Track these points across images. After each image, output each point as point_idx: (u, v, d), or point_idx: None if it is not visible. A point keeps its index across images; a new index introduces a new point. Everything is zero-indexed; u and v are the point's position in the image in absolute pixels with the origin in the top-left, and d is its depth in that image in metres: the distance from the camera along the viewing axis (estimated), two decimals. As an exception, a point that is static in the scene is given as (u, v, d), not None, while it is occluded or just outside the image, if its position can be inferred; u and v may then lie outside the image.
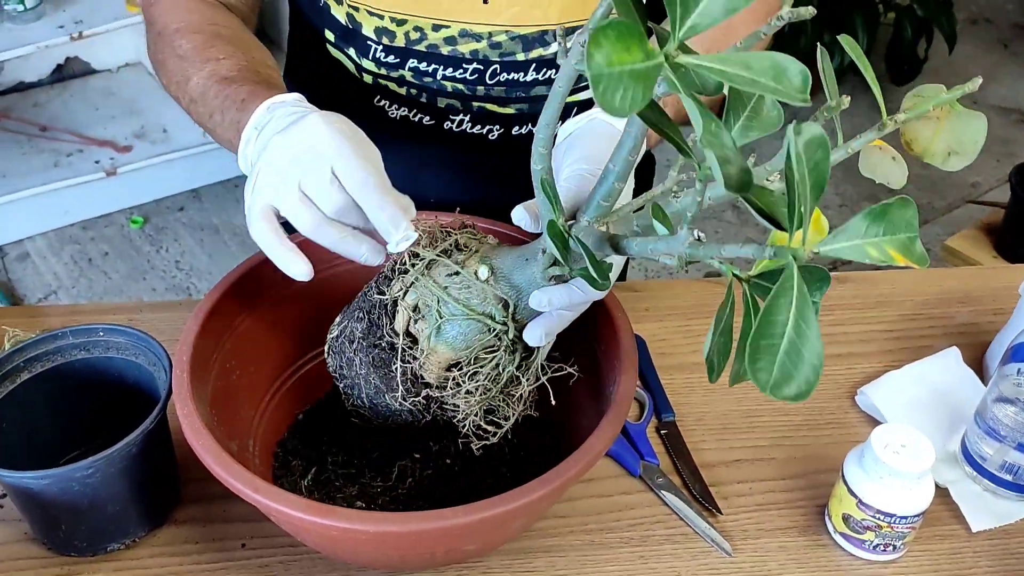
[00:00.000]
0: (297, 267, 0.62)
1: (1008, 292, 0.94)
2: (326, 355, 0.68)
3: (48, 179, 2.26)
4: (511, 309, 0.62)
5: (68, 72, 2.60)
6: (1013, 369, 0.72)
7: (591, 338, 0.73)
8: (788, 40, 2.39)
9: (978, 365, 0.85)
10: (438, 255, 0.63)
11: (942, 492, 0.74)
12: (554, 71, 0.82)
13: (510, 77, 0.83)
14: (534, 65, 0.82)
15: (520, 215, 0.62)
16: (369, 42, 0.83)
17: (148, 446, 0.66)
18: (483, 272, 0.62)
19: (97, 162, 2.32)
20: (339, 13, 0.83)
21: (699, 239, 0.49)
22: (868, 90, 0.76)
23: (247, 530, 0.71)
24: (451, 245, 0.64)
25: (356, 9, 0.81)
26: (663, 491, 0.74)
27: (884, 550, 0.69)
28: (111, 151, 2.36)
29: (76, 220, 2.35)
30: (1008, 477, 0.74)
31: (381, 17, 0.81)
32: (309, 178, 0.60)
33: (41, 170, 2.28)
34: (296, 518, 0.57)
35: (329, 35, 0.86)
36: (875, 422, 0.81)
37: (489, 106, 0.85)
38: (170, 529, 0.71)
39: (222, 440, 0.65)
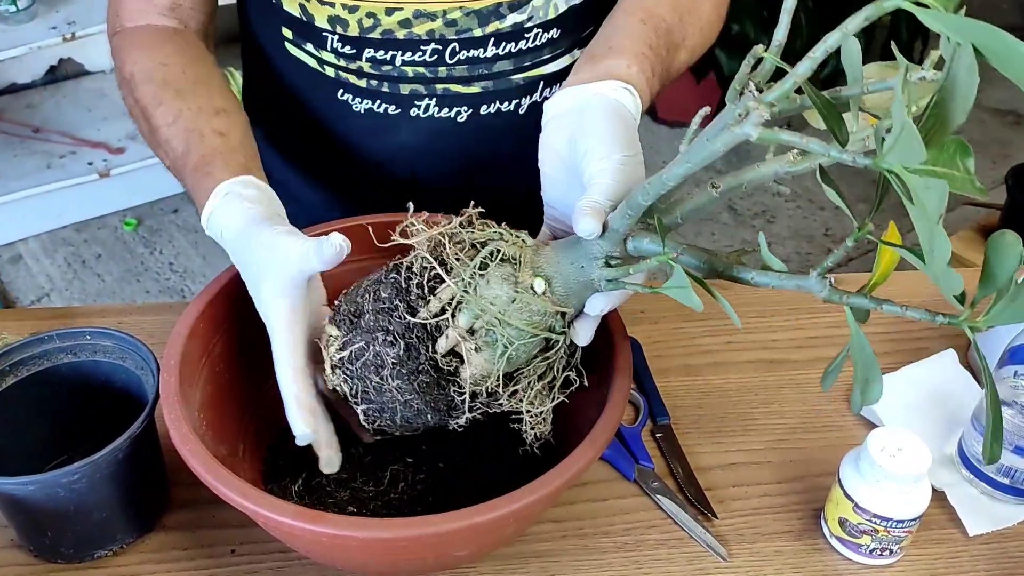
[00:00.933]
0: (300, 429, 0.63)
1: None
2: (330, 376, 0.63)
3: (41, 181, 2.25)
4: (567, 317, 0.61)
5: (61, 73, 2.59)
6: (1010, 371, 0.72)
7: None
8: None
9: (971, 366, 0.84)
10: (480, 271, 0.59)
11: (939, 496, 0.73)
12: (513, 44, 0.81)
13: (470, 55, 0.81)
14: (492, 39, 0.81)
15: (592, 227, 0.57)
16: (324, 33, 0.81)
17: (135, 451, 0.65)
18: (539, 285, 0.59)
19: (90, 164, 2.31)
20: (291, 7, 0.81)
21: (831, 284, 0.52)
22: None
23: (237, 536, 0.70)
24: (489, 255, 0.60)
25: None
26: (658, 495, 0.73)
27: (881, 554, 0.68)
28: (104, 153, 2.35)
29: (69, 222, 2.34)
30: (1005, 480, 0.73)
31: (332, 5, 0.79)
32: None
33: (34, 172, 2.27)
34: (286, 524, 0.56)
35: (286, 32, 0.84)
36: (871, 425, 0.80)
37: (453, 87, 0.83)
38: (158, 535, 0.70)
39: (211, 444, 0.64)
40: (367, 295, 0.63)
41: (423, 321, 0.60)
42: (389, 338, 0.60)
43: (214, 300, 0.70)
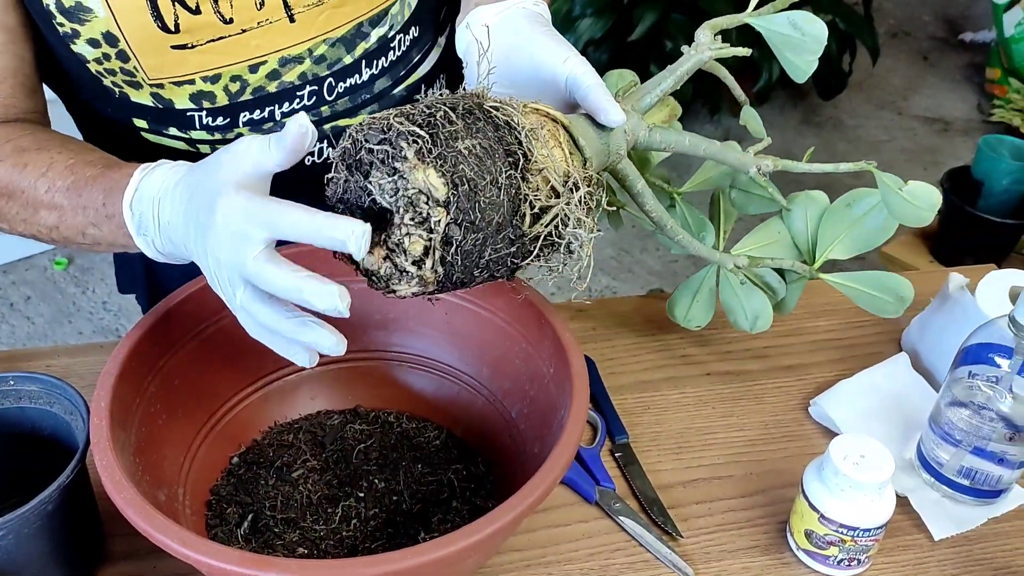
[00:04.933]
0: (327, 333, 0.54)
1: (950, 295, 0.94)
2: (414, 233, 0.52)
3: (-37, 222, 2.15)
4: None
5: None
6: (964, 372, 0.71)
7: (539, 362, 0.70)
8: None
9: (926, 371, 0.84)
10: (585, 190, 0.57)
11: (902, 501, 0.73)
12: (383, 58, 0.78)
13: (347, 84, 0.78)
14: (364, 62, 0.77)
15: (623, 115, 0.62)
16: (189, 113, 0.74)
17: (66, 502, 0.61)
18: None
19: (16, 203, 2.22)
20: (142, 98, 0.73)
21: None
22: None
23: (180, 586, 0.66)
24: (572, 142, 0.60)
25: (160, 86, 0.72)
26: (621, 517, 0.71)
27: (848, 565, 0.67)
28: (31, 191, 2.26)
29: (-5, 264, 2.25)
30: (965, 482, 0.72)
31: (192, 82, 0.72)
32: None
33: (-45, 213, 2.18)
34: (230, 572, 0.52)
35: (140, 123, 0.76)
36: (830, 433, 0.79)
37: (341, 122, 0.79)
38: (95, 590, 0.66)
39: (148, 491, 0.60)
40: (463, 149, 0.53)
41: (537, 200, 0.55)
42: (496, 192, 0.54)
43: (146, 336, 0.66)
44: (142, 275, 0.93)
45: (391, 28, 0.78)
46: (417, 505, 0.70)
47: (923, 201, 0.70)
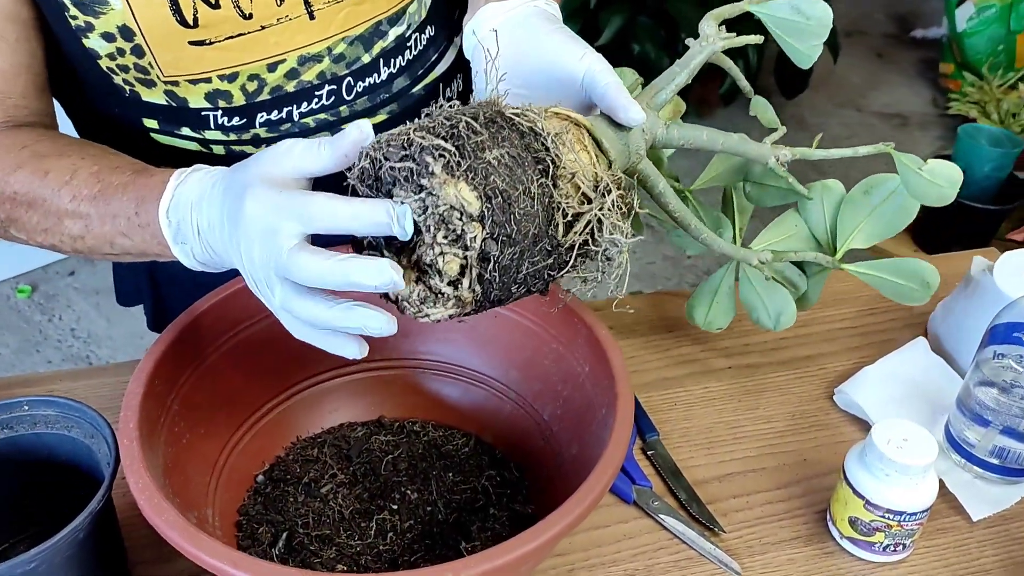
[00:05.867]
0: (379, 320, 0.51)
1: (952, 279, 0.94)
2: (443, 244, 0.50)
3: (-80, 253, 2.08)
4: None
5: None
6: (990, 352, 0.72)
7: (571, 361, 0.69)
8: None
9: (948, 354, 0.85)
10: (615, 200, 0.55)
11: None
12: (400, 57, 0.77)
13: (366, 84, 0.76)
14: (382, 61, 0.76)
15: (642, 114, 0.60)
16: (204, 112, 0.72)
17: (96, 529, 0.58)
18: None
19: (-25, 231, 2.15)
20: (155, 96, 0.70)
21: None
22: (767, 102, 0.79)
23: (214, 612, 0.63)
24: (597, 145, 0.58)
25: (175, 84, 0.70)
26: (661, 515, 0.70)
27: (894, 550, 0.67)
28: (-10, 218, 2.19)
29: (-45, 295, 2.18)
30: (996, 461, 0.73)
31: (208, 80, 0.70)
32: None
33: (-89, 244, 2.10)
34: (286, 591, 0.50)
35: (150, 123, 0.73)
36: (857, 420, 0.79)
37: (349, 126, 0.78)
38: (124, 621, 0.63)
39: (181, 513, 0.58)
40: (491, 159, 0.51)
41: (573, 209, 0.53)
42: (530, 201, 0.52)
43: (167, 354, 0.64)
44: (147, 286, 0.90)
45: (408, 27, 0.77)
46: (453, 515, 0.68)
47: (944, 179, 0.70)
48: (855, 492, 0.66)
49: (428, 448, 0.74)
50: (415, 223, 0.50)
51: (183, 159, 0.75)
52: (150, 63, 0.68)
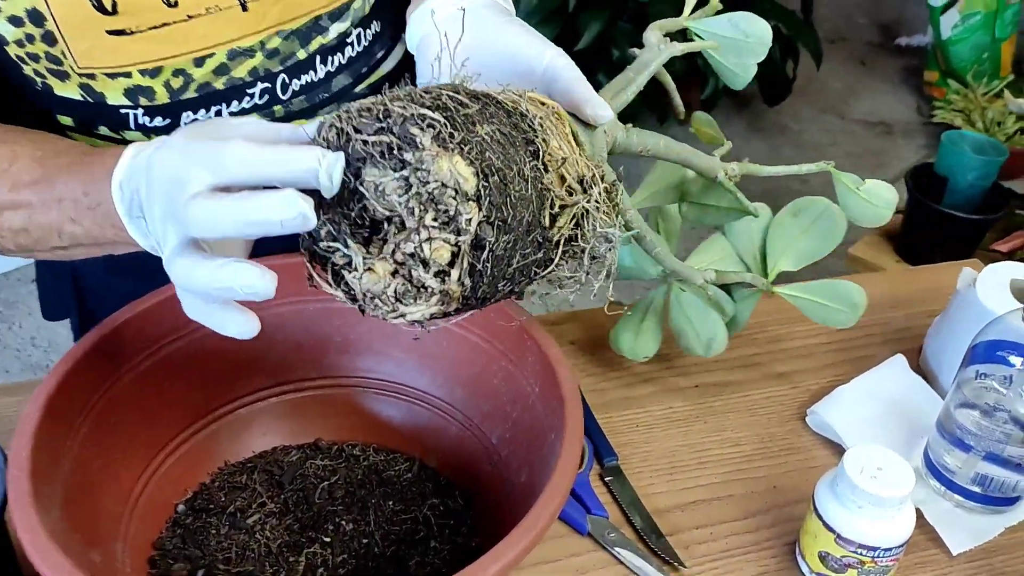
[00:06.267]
0: (238, 323, 0.46)
1: (935, 292, 0.90)
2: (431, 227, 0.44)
3: None
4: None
5: None
6: (972, 372, 0.67)
7: (521, 381, 0.63)
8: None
9: (931, 373, 0.80)
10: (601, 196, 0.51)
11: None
12: (340, 54, 0.71)
13: (303, 82, 0.70)
14: (318, 57, 0.70)
15: (610, 113, 0.56)
16: (123, 110, 0.65)
17: (-18, 569, 0.52)
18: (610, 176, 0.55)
19: (-68, 236, 2.08)
20: (68, 91, 0.64)
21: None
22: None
23: (122, 658, 0.57)
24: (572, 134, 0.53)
25: (91, 76, 0.64)
26: (617, 548, 0.64)
27: (868, 588, 0.62)
28: (-52, 222, 2.12)
29: (-90, 302, 2.10)
30: (978, 490, 0.68)
31: (128, 75, 0.64)
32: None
33: None
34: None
35: (64, 120, 0.67)
36: (831, 444, 0.74)
37: (297, 123, 0.72)
38: (21, 669, 0.57)
39: (80, 551, 0.52)
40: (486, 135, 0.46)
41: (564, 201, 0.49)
42: (525, 187, 0.46)
43: (76, 370, 0.58)
44: (72, 297, 0.83)
45: (351, 23, 0.71)
46: (391, 548, 0.63)
47: (881, 200, 0.69)
48: (825, 525, 0.60)
49: (368, 473, 0.68)
50: (393, 207, 0.43)
51: None
52: (63, 52, 0.63)
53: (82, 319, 0.84)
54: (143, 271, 0.62)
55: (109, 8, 0.61)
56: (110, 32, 0.62)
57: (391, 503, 0.66)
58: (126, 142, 0.67)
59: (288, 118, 0.70)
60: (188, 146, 0.45)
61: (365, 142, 0.44)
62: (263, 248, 0.67)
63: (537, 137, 0.48)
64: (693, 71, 2.36)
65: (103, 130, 0.67)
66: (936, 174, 1.47)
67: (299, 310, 0.69)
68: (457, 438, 0.68)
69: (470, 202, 0.43)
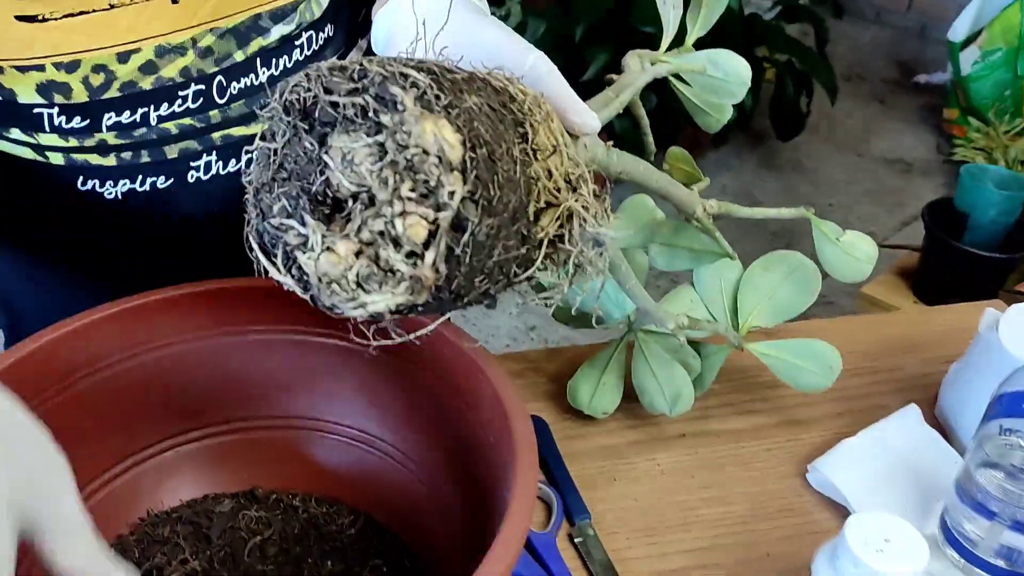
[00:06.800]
0: None
1: (954, 335, 0.82)
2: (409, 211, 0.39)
3: None
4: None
5: None
6: (995, 427, 0.59)
7: (475, 426, 0.56)
8: (671, 96, 2.34)
9: (950, 427, 0.71)
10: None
11: (929, 590, 0.59)
12: (286, 57, 0.65)
13: (242, 85, 0.63)
14: (259, 60, 0.63)
15: (598, 123, 0.52)
16: (37, 109, 0.60)
17: None
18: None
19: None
20: None
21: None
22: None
23: None
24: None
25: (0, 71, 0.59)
26: (584, 623, 0.56)
27: None
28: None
29: None
30: (1003, 563, 0.59)
31: (41, 68, 0.58)
32: None
33: None
34: None
35: None
36: (835, 505, 0.66)
37: (235, 131, 0.64)
38: None
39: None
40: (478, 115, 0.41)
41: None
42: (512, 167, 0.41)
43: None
44: (2, 315, 0.77)
45: (298, 26, 0.65)
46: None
47: (861, 253, 0.66)
48: (824, 604, 0.52)
49: (306, 527, 0.61)
50: (363, 180, 0.38)
51: (16, 170, 0.63)
52: None
53: (10, 342, 0.78)
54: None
55: None
56: (20, 18, 0.56)
57: (330, 563, 0.58)
58: (41, 147, 0.61)
59: (226, 123, 0.64)
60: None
61: (335, 104, 0.38)
62: (194, 273, 0.60)
63: (526, 120, 0.42)
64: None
65: (15, 133, 0.61)
66: (956, 209, 1.39)
67: (236, 342, 0.61)
68: (407, 489, 0.61)
69: (454, 172, 0.38)
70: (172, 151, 0.63)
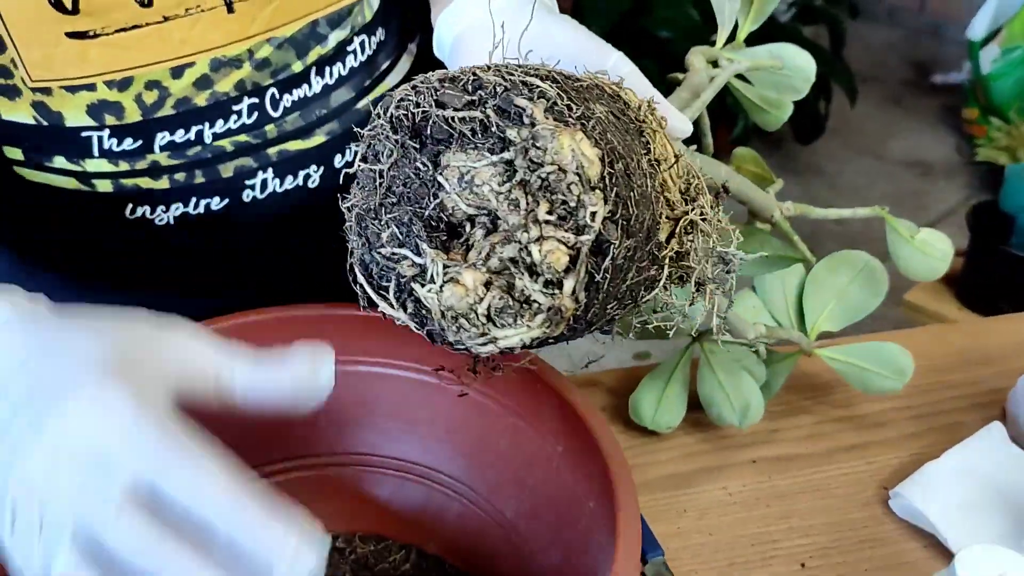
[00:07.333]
0: None
1: (1020, 347, 0.77)
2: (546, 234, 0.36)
3: None
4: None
5: None
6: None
7: (536, 438, 0.51)
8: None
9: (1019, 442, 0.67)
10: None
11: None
12: (340, 64, 0.61)
13: (295, 97, 0.60)
14: (315, 69, 0.60)
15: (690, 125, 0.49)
16: (85, 133, 0.55)
17: None
18: None
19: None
20: (19, 111, 0.55)
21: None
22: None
23: None
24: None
25: (47, 92, 0.54)
26: (665, 674, 0.51)
27: None
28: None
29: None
30: (1114, 595, 0.54)
31: (91, 87, 0.54)
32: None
33: None
34: None
35: (12, 152, 0.57)
36: (922, 534, 0.61)
37: (291, 146, 0.61)
38: None
39: None
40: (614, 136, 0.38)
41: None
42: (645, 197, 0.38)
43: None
44: None
45: (351, 29, 0.61)
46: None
47: (937, 251, 0.64)
48: (935, 650, 0.47)
49: (357, 570, 0.56)
50: (485, 202, 0.34)
51: (56, 202, 0.58)
52: (13, 61, 0.53)
53: None
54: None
55: (69, 7, 0.51)
56: (71, 35, 0.52)
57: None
58: (87, 174, 0.57)
59: (282, 138, 0.60)
60: (137, 414, 0.33)
61: (450, 120, 0.35)
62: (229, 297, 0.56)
63: (646, 128, 0.39)
64: (722, 109, 2.27)
65: (58, 161, 0.57)
66: (1001, 212, 1.34)
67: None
68: (461, 516, 0.56)
69: (595, 191, 0.34)
70: (227, 170, 0.59)
